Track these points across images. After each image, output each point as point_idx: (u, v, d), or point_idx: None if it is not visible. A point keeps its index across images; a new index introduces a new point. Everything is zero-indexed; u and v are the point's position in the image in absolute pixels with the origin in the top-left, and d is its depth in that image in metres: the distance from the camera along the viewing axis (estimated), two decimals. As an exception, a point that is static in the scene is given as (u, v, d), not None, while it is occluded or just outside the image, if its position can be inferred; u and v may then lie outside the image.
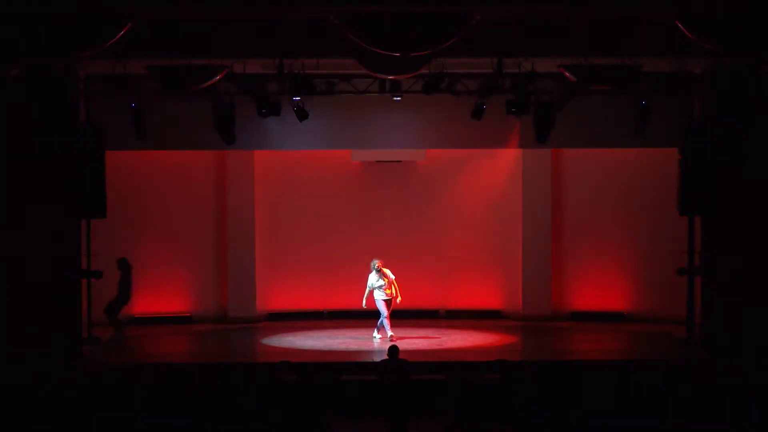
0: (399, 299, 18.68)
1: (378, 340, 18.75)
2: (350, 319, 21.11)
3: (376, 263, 18.67)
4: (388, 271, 18.71)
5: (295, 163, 22.20)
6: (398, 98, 18.43)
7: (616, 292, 21.74)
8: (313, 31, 15.03)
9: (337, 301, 21.89)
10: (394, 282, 18.69)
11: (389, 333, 18.59)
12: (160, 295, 21.52)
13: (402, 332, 19.19)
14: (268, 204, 22.11)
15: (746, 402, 12.38)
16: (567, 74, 16.24)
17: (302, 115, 17.50)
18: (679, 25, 13.17)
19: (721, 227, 17.56)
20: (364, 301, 18.78)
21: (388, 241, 21.75)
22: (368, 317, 19.54)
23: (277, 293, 22.14)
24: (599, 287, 21.83)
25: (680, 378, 14.98)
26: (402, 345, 18.32)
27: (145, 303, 21.39)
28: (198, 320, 21.78)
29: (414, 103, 18.51)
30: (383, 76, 16.89)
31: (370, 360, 17.50)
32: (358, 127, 19.53)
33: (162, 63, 15.85)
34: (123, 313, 19.83)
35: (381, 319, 18.71)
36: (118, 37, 13.24)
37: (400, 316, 19.62)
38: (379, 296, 18.64)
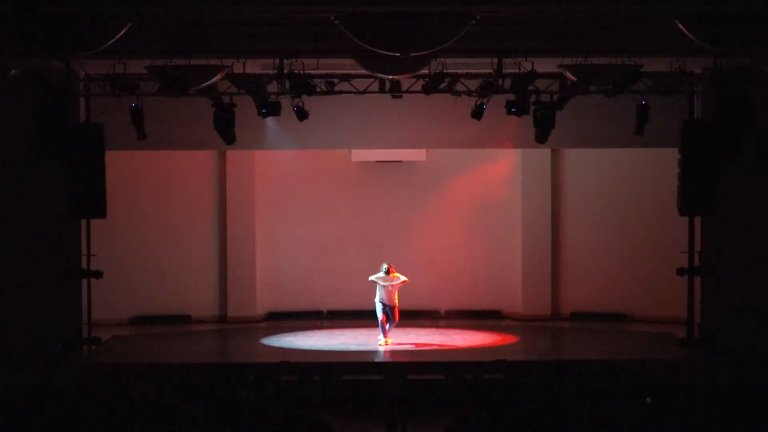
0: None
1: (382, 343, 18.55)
2: (350, 319, 21.11)
3: (385, 266, 18.54)
4: (399, 276, 18.47)
5: (295, 163, 22.21)
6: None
7: (616, 292, 21.72)
8: (313, 31, 15.02)
9: (337, 301, 21.88)
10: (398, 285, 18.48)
11: (382, 338, 18.54)
12: (160, 295, 21.51)
13: (402, 332, 19.19)
14: (268, 204, 22.10)
15: (746, 402, 12.36)
16: (567, 74, 16.25)
17: (302, 115, 17.49)
18: (679, 25, 13.15)
19: (721, 227, 17.57)
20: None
21: (388, 241, 21.75)
22: (368, 317, 19.54)
23: (277, 293, 22.13)
24: (599, 287, 21.82)
25: (680, 378, 14.97)
26: (401, 345, 18.50)
27: (144, 303, 21.38)
28: (198, 320, 21.78)
29: (414, 103, 18.49)
30: (383, 76, 16.88)
31: (371, 360, 17.51)
32: (358, 127, 19.52)
33: (162, 63, 15.85)
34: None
35: (390, 322, 18.48)
36: (118, 37, 13.22)
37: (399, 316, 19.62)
38: (379, 298, 18.50)
